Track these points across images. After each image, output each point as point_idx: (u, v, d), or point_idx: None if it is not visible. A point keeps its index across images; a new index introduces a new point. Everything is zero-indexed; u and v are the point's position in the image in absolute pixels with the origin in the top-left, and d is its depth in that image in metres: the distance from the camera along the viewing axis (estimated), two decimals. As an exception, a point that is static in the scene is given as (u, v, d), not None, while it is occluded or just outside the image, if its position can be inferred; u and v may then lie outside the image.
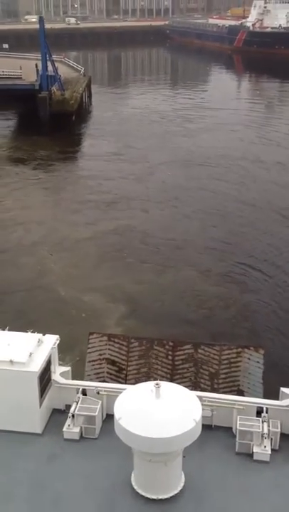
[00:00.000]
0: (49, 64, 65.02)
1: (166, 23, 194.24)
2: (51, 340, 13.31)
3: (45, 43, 64.92)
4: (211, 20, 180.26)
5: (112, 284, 30.64)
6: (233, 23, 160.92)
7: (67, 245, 35.80)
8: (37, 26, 71.81)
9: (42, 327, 25.56)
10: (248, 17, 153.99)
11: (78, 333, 25.55)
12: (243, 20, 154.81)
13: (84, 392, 13.14)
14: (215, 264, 33.28)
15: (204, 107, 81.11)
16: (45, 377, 12.89)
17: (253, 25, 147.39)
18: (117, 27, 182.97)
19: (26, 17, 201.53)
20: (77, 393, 13.14)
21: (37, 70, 66.84)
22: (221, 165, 52.33)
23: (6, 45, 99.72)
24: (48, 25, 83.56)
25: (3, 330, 13.39)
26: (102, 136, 62.84)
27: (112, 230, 37.97)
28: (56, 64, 69.32)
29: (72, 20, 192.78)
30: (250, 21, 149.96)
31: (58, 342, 13.39)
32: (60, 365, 13.85)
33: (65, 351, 23.07)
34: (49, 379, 13.19)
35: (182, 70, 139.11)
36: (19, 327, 25.46)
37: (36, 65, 67.92)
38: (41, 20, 66.55)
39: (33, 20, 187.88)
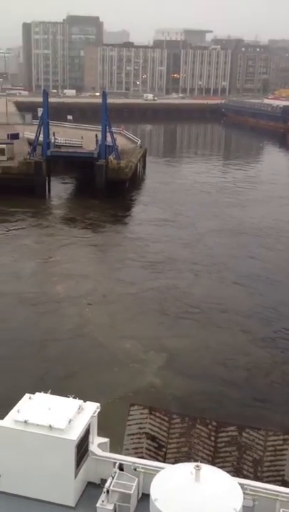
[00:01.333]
0: (108, 135, 68.74)
1: (223, 101, 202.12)
2: (92, 408, 12.72)
3: (106, 115, 68.90)
4: (266, 101, 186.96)
5: (152, 336, 31.33)
6: (287, 103, 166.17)
7: (110, 298, 36.93)
8: (94, 100, 76.64)
9: (81, 375, 26.63)
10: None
11: (115, 382, 26.33)
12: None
13: (121, 467, 12.53)
14: (260, 329, 33.20)
15: (257, 180, 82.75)
16: (82, 447, 12.27)
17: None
18: (176, 104, 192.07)
19: (65, 91, 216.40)
20: (114, 467, 12.48)
21: (96, 140, 70.90)
22: (272, 235, 52.80)
23: (70, 117, 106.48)
24: (110, 100, 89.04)
25: (46, 393, 12.89)
26: (153, 202, 64.91)
27: (155, 287, 38.89)
28: (115, 135, 73.27)
29: (150, 96, 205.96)
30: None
31: (98, 410, 12.77)
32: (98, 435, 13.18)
33: (100, 398, 23.66)
34: (86, 449, 12.59)
35: (235, 146, 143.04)
36: (59, 376, 26.54)
37: (96, 136, 72.14)
38: (104, 95, 70.93)
39: (72, 94, 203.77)
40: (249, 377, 28.08)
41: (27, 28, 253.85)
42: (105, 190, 63.60)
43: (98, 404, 12.85)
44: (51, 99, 77.24)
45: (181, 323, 33.71)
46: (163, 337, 31.58)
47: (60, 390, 24.60)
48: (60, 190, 70.30)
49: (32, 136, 73.68)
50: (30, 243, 49.14)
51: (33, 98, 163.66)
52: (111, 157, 68.73)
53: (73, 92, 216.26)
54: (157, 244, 49.01)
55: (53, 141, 70.19)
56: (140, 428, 14.15)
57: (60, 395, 12.82)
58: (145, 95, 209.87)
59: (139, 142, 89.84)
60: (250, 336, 32.28)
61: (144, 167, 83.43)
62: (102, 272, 42.21)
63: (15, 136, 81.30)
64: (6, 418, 12.08)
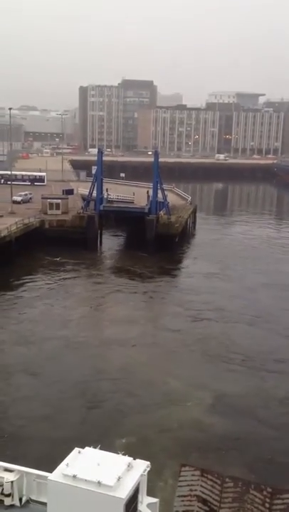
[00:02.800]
0: (159, 192, 70.78)
1: (275, 162, 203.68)
2: (141, 466, 12.29)
3: (158, 173, 71.20)
4: None
5: (199, 378, 31.85)
6: None
7: (157, 342, 37.79)
8: (147, 159, 79.39)
9: (127, 415, 26.85)
10: None
11: (161, 423, 26.62)
12: None
13: None
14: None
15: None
16: (131, 506, 11.71)
17: None
18: (227, 163, 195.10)
19: (90, 150, 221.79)
20: None
21: (148, 196, 73.04)
22: None
23: (122, 174, 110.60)
24: (162, 159, 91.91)
25: (95, 448, 12.68)
26: (201, 256, 65.55)
27: (202, 334, 39.37)
28: (166, 192, 75.30)
29: (222, 156, 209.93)
30: None
31: (148, 469, 12.37)
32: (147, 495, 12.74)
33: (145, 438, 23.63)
34: (135, 509, 12.03)
35: (288, 205, 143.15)
36: (105, 416, 26.84)
37: (148, 192, 74.38)
38: (156, 154, 73.60)
39: (95, 152, 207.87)
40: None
41: (83, 91, 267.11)
42: (155, 244, 64.92)
43: (148, 463, 12.51)
44: (105, 158, 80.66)
45: (229, 368, 33.97)
46: (212, 379, 31.89)
47: (107, 431, 25.09)
48: (111, 243, 72.18)
49: (85, 192, 76.72)
50: (81, 292, 50.60)
51: (86, 157, 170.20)
52: (161, 212, 70.46)
53: (96, 149, 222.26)
54: (205, 295, 49.40)
55: (105, 196, 72.82)
56: (191, 490, 13.56)
57: (110, 451, 12.64)
58: (217, 155, 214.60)
59: (189, 199, 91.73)
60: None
61: (194, 222, 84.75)
62: (150, 319, 43.10)
63: (69, 192, 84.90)
64: (55, 472, 11.89)
